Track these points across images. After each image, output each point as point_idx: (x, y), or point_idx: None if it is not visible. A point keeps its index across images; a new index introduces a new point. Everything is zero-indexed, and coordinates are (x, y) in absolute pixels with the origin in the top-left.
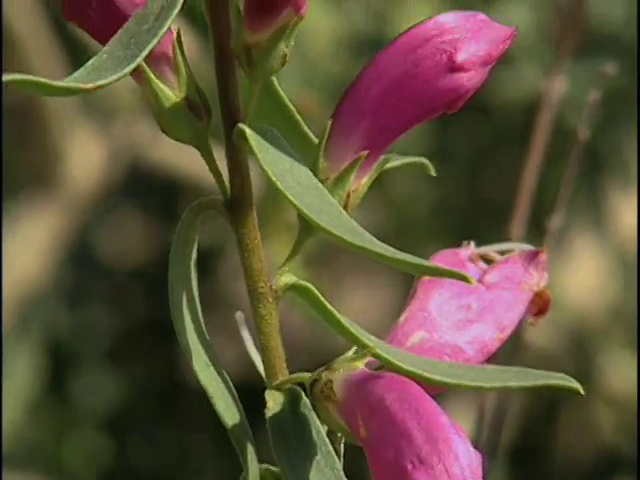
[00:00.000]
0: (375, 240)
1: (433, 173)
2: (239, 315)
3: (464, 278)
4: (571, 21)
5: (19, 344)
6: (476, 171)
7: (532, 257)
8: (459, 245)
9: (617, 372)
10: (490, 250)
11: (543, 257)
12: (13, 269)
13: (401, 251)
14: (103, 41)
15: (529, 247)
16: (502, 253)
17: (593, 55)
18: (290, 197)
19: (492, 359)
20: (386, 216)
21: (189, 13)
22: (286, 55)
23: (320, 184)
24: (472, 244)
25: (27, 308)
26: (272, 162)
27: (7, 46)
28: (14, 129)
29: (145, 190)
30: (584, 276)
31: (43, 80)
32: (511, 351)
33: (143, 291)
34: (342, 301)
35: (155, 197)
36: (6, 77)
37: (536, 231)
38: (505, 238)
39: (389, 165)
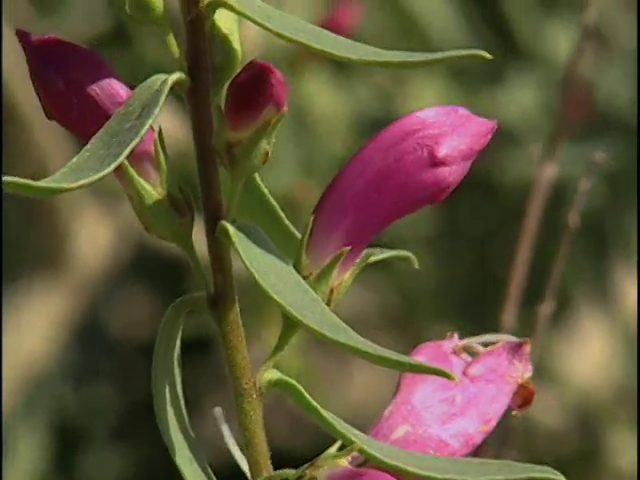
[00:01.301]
0: (358, 337)
1: (416, 266)
2: (217, 410)
3: (447, 375)
4: (577, 101)
5: (25, 424)
6: (484, 249)
7: (516, 349)
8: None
9: (623, 451)
10: (474, 342)
11: (527, 349)
12: (20, 349)
13: (408, 329)
14: (85, 139)
15: (513, 339)
16: (486, 345)
17: (598, 135)
18: (274, 295)
19: (478, 450)
20: (393, 294)
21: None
22: (268, 153)
23: (303, 281)
24: (456, 336)
25: (33, 387)
26: (255, 260)
27: (8, 117)
28: (22, 208)
29: (152, 269)
30: (590, 354)
31: (24, 181)
32: (501, 439)
33: (150, 369)
34: (350, 379)
35: (162, 276)
36: None
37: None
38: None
39: (372, 259)
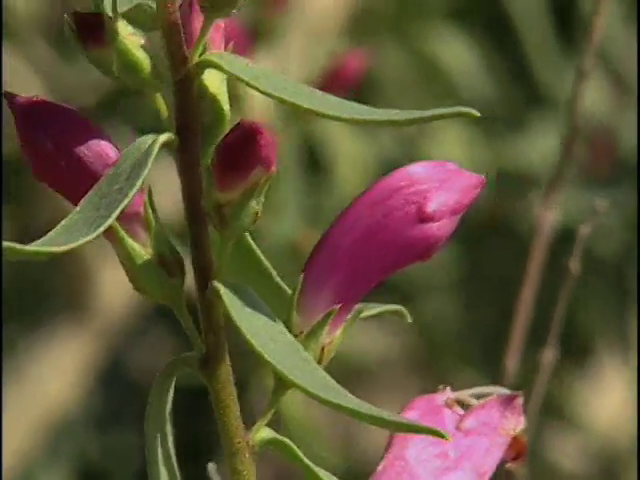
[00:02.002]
0: (350, 396)
1: (409, 319)
2: (211, 467)
3: (441, 435)
4: (596, 146)
5: (49, 470)
6: (507, 293)
7: (508, 401)
8: (493, 367)
9: None
10: (466, 394)
11: (519, 401)
12: (42, 394)
13: (432, 372)
14: (74, 201)
15: (505, 391)
16: (479, 397)
17: (619, 179)
18: (265, 355)
19: None
20: (416, 338)
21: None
22: (257, 213)
23: (294, 340)
24: (448, 389)
25: (56, 433)
26: (246, 320)
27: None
28: None
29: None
30: (612, 400)
31: (11, 245)
32: None
33: (173, 413)
34: (355, 424)
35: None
36: None
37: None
38: (534, 360)
39: (364, 314)
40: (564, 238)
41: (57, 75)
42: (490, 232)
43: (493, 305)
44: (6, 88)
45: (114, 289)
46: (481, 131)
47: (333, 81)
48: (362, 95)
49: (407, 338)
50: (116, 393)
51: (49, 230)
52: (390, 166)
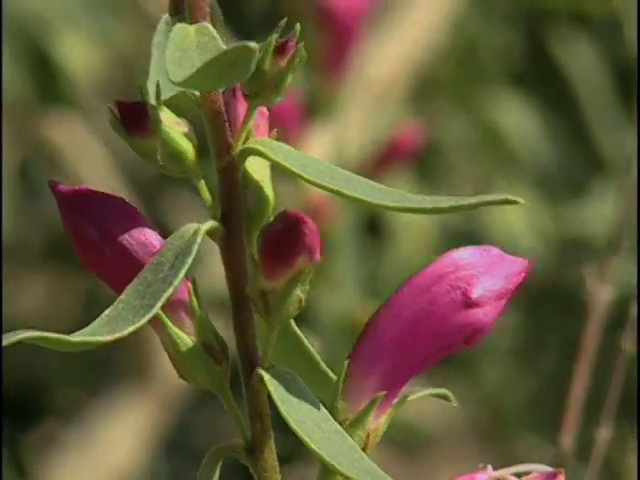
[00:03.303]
0: None
1: (454, 403)
2: None
3: None
4: None
5: None
6: (570, 362)
7: (550, 479)
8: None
9: None
10: (507, 473)
11: (561, 479)
12: (106, 463)
13: (495, 441)
14: (119, 289)
15: (547, 468)
16: (519, 475)
17: None
18: (310, 443)
19: None
20: (479, 408)
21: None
22: (302, 301)
23: (340, 428)
24: (489, 467)
25: None
26: (291, 407)
27: None
28: None
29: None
30: None
31: (57, 336)
32: None
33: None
34: None
35: None
36: (15, 336)
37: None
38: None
39: (410, 398)
40: (620, 310)
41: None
42: (550, 298)
43: (554, 372)
44: (71, 158)
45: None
46: (542, 196)
47: (394, 151)
48: (423, 160)
49: (469, 407)
50: (179, 461)
51: (111, 299)
52: (450, 232)
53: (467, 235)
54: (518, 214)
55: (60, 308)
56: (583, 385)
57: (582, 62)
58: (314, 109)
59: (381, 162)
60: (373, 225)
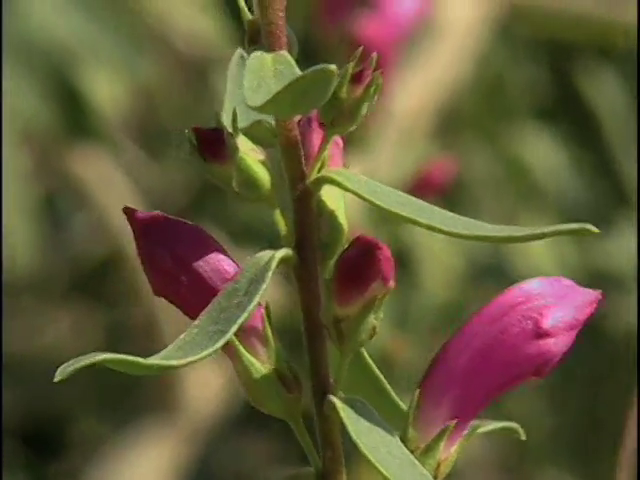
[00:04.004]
0: None
1: (523, 437)
2: None
3: None
4: None
5: None
6: (595, 395)
7: None
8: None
9: None
10: None
11: None
12: None
13: (521, 473)
14: (193, 315)
15: None
16: None
17: None
18: (382, 470)
19: None
20: (503, 439)
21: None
22: (375, 327)
23: (411, 456)
24: None
25: None
26: (363, 434)
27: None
28: (133, 350)
29: (263, 416)
30: None
31: (131, 359)
32: None
33: None
34: None
35: (273, 424)
36: (95, 358)
37: None
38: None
39: (480, 430)
40: None
41: (146, 176)
42: (580, 334)
43: (580, 405)
44: (96, 191)
45: (202, 391)
46: (567, 242)
47: (423, 186)
48: (448, 194)
49: (493, 438)
50: None
51: (139, 332)
52: (476, 266)
53: (492, 269)
54: (543, 248)
55: (84, 342)
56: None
57: (607, 95)
58: (346, 141)
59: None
60: (400, 258)
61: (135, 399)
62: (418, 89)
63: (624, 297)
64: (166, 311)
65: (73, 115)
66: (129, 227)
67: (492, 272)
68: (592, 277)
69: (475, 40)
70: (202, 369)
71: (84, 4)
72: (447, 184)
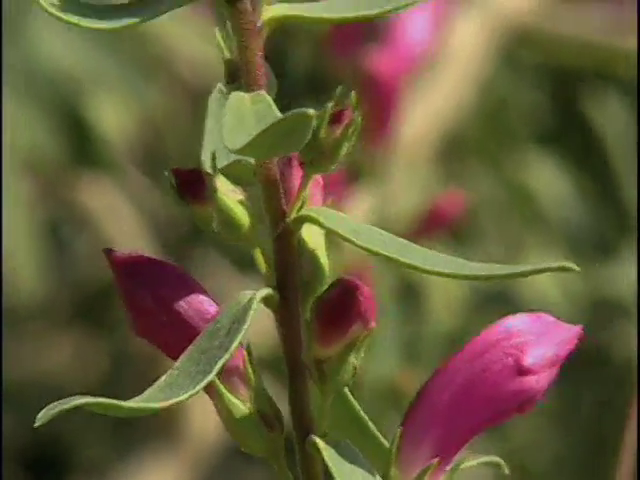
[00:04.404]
0: None
1: (507, 471)
2: None
3: None
4: None
5: None
6: (598, 420)
7: None
8: None
9: None
10: None
11: None
12: None
13: None
14: (174, 355)
15: None
16: None
17: None
18: None
19: None
20: (508, 463)
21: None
22: (356, 368)
23: None
24: None
25: None
26: (346, 474)
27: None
28: (136, 378)
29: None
30: None
31: (113, 402)
32: None
33: None
34: None
35: None
36: (76, 401)
37: None
38: None
39: (463, 465)
40: None
41: (151, 203)
42: (580, 357)
43: (583, 431)
44: (101, 219)
45: (205, 419)
46: (571, 256)
47: (434, 219)
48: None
49: (497, 468)
50: None
51: (141, 357)
52: (481, 294)
53: (497, 296)
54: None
55: (87, 368)
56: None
57: (612, 121)
58: (355, 174)
59: (421, 230)
60: (407, 289)
61: (138, 426)
62: (422, 116)
63: (627, 323)
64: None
65: (79, 143)
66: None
67: (497, 299)
68: (595, 303)
69: (479, 66)
70: (206, 397)
71: (90, 33)
72: (457, 218)
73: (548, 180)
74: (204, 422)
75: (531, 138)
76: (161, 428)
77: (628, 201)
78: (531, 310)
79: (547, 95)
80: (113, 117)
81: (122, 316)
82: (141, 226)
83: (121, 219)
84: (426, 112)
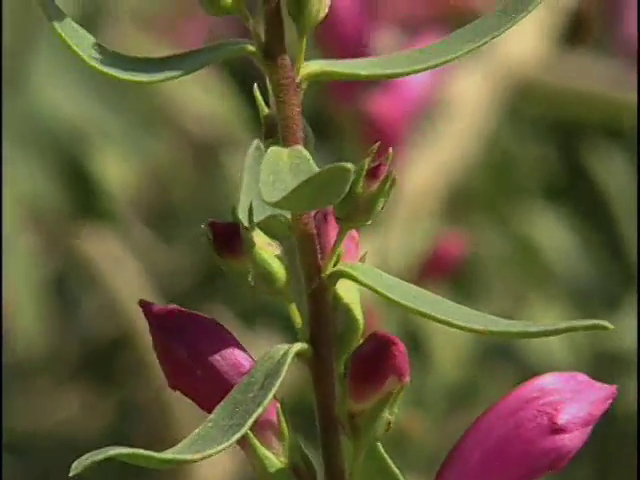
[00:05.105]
0: None
1: None
2: None
3: None
4: None
5: None
6: (605, 472)
7: None
8: None
9: None
10: None
11: None
12: None
13: None
14: (208, 408)
15: None
16: None
17: None
18: None
19: None
20: None
21: None
22: (390, 422)
23: None
24: None
25: None
26: None
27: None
28: (144, 430)
29: None
30: None
31: (146, 453)
32: None
33: None
34: None
35: None
36: (111, 452)
37: None
38: None
39: None
40: None
41: (155, 256)
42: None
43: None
44: (105, 271)
45: (213, 470)
46: (576, 309)
47: (436, 264)
48: (457, 273)
49: None
50: None
51: (149, 411)
52: (487, 345)
53: (502, 347)
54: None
55: (95, 420)
56: None
57: (616, 175)
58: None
59: (423, 275)
60: (413, 336)
61: (146, 476)
62: (427, 168)
63: (630, 377)
64: (175, 392)
65: (82, 195)
66: (145, 319)
67: (502, 351)
68: (601, 357)
69: (483, 118)
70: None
71: (94, 84)
72: (459, 263)
73: (552, 233)
74: (212, 474)
75: (536, 191)
76: (169, 478)
77: (630, 255)
78: (538, 364)
79: (551, 148)
80: (116, 169)
81: (129, 369)
82: (145, 278)
83: (125, 271)
84: (430, 164)
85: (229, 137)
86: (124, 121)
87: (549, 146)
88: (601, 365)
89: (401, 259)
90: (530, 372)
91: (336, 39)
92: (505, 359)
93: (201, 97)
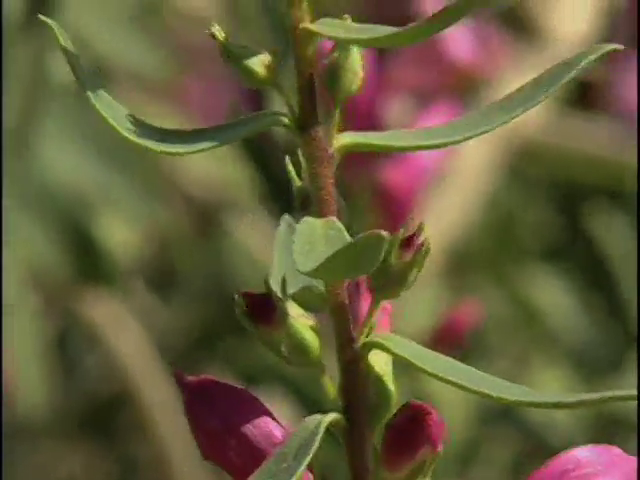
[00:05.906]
0: None
1: None
2: None
3: None
4: None
5: None
6: None
7: None
8: None
9: None
10: None
11: None
12: None
13: None
14: (241, 479)
15: None
16: None
17: None
18: None
19: None
20: None
21: None
22: None
23: None
24: None
25: None
26: None
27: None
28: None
29: None
30: None
31: None
32: None
33: None
34: None
35: None
36: None
37: None
38: None
39: None
40: None
41: (157, 318)
42: None
43: None
44: (108, 334)
45: None
46: (578, 372)
47: (445, 335)
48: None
49: None
50: None
51: (150, 469)
52: (487, 407)
53: (503, 410)
54: (555, 388)
55: (97, 479)
56: None
57: (617, 237)
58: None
59: (435, 343)
60: (417, 396)
61: None
62: (429, 230)
63: (630, 440)
64: (176, 448)
65: (84, 257)
66: (177, 389)
67: (502, 413)
68: (603, 420)
69: (485, 181)
70: None
71: (96, 147)
72: (470, 332)
73: (554, 295)
74: None
75: (538, 253)
76: None
77: (631, 317)
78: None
79: (553, 210)
80: (119, 233)
81: (130, 428)
82: (147, 341)
83: (127, 334)
84: (433, 227)
85: (233, 202)
86: (128, 185)
87: (551, 208)
88: (601, 426)
89: (411, 325)
90: (529, 432)
91: (350, 110)
92: (505, 420)
93: (205, 161)
